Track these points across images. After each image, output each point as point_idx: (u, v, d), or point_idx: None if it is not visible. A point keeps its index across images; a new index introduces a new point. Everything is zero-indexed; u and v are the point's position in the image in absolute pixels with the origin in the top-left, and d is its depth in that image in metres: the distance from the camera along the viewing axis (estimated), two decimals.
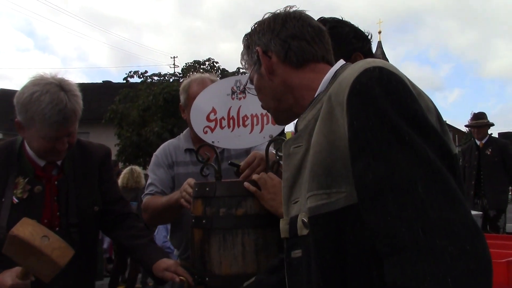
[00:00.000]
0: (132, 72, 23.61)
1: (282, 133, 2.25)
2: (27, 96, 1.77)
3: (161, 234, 5.16)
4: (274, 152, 1.94)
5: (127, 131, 18.51)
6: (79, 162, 2.01)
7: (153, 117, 17.90)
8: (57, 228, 1.87)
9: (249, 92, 1.42)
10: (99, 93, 25.46)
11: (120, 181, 6.83)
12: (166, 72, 23.77)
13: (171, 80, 22.00)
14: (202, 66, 23.50)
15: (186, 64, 23.61)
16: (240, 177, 1.89)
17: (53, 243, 1.62)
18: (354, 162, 0.91)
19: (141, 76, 23.07)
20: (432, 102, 1.02)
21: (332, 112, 0.99)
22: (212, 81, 2.26)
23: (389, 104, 0.89)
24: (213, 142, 2.03)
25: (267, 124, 1.98)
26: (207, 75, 2.36)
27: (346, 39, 1.64)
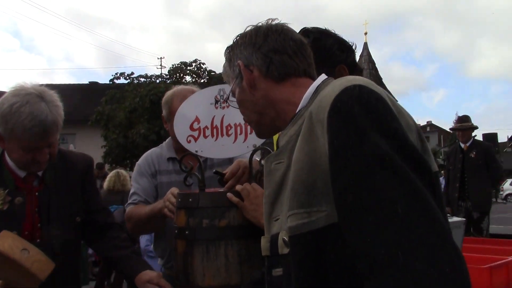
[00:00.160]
0: (118, 74, 23.53)
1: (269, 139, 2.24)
2: (6, 107, 1.74)
3: (144, 237, 5.10)
4: (258, 160, 1.94)
5: (114, 133, 18.43)
6: (61, 172, 1.98)
7: (140, 119, 17.84)
8: (38, 240, 1.85)
9: (231, 105, 1.41)
10: (85, 94, 25.29)
11: (106, 184, 6.79)
12: (152, 74, 23.71)
13: (157, 81, 21.90)
14: (189, 68, 23.44)
15: (172, 65, 23.55)
16: (225, 187, 1.88)
17: (33, 256, 1.60)
18: (334, 181, 0.91)
19: (128, 77, 22.96)
20: (412, 119, 1.02)
21: (312, 129, 0.98)
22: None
23: (369, 122, 0.89)
24: (196, 151, 2.02)
25: (250, 133, 1.97)
26: (189, 87, 2.34)
27: (330, 51, 1.63)
